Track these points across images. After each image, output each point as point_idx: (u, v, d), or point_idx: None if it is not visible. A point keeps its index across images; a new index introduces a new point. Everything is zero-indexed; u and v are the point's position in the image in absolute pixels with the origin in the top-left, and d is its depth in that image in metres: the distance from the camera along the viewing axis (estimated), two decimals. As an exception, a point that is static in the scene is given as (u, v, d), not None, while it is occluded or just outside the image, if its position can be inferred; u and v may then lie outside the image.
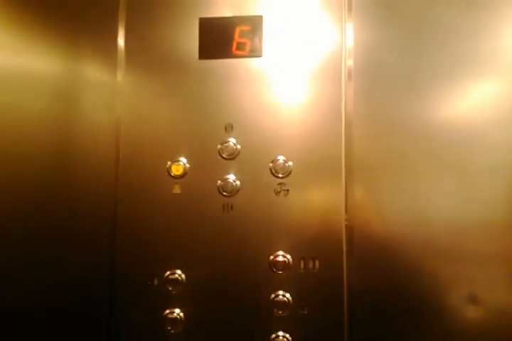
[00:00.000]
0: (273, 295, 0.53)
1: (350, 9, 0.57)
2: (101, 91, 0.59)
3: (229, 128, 0.56)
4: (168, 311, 0.54)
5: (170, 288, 0.54)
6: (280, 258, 0.53)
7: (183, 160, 0.56)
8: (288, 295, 0.53)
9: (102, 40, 0.60)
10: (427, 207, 0.54)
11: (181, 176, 0.56)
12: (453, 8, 0.55)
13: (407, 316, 0.53)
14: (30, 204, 0.58)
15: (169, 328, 0.54)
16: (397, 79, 0.55)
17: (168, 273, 0.54)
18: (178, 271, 0.55)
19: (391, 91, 0.55)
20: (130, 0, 0.59)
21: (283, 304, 0.52)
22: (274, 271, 0.53)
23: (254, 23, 0.57)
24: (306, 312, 0.53)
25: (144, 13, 0.59)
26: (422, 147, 0.54)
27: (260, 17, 0.57)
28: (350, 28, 0.56)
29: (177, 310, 0.54)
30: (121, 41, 0.59)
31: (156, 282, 0.55)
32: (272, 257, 0.54)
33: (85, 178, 0.58)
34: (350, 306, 0.53)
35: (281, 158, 0.55)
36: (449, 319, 0.53)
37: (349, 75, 0.56)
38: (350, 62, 0.56)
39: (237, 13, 0.58)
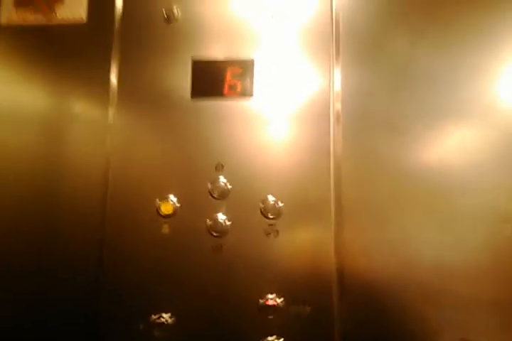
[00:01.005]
0: (263, 341, 0.52)
1: (337, 52, 0.58)
2: (92, 128, 0.59)
3: (219, 167, 0.56)
4: (154, 357, 0.52)
5: (156, 333, 0.52)
6: (270, 302, 0.52)
7: (172, 199, 0.56)
8: None
9: (94, 77, 0.60)
10: (412, 250, 0.54)
11: (171, 215, 0.55)
12: (438, 51, 0.58)
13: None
14: (14, 246, 0.57)
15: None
16: (383, 122, 0.56)
17: (154, 316, 0.53)
18: (165, 315, 0.53)
19: (378, 133, 0.56)
20: (124, 38, 0.61)
21: (274, 350, 0.51)
22: (264, 315, 0.52)
23: (246, 66, 0.58)
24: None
25: (137, 52, 0.60)
26: (407, 189, 0.55)
27: (251, 60, 0.58)
28: (337, 72, 0.58)
29: (164, 356, 0.52)
30: (113, 78, 0.60)
31: (141, 326, 0.53)
32: (261, 300, 0.53)
33: (72, 215, 0.57)
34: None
35: (271, 199, 0.55)
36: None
37: (337, 118, 0.57)
38: (338, 106, 0.57)
39: (229, 55, 0.59)
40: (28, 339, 0.55)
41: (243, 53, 0.59)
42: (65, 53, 0.61)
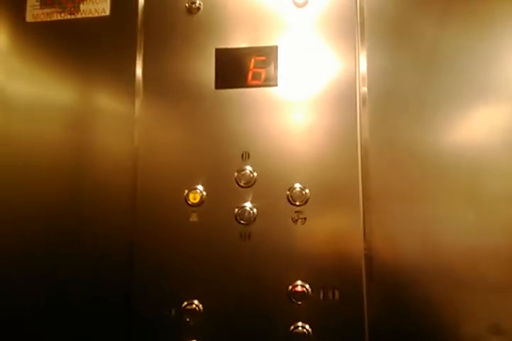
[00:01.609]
0: (292, 327, 0.52)
1: (363, 37, 0.58)
2: (119, 121, 0.60)
3: (245, 156, 0.57)
4: (185, 342, 0.53)
5: (187, 319, 0.54)
6: (299, 288, 0.52)
7: (200, 188, 0.56)
8: (307, 326, 0.52)
9: (120, 70, 0.61)
10: (442, 235, 0.53)
11: (198, 204, 0.56)
12: (466, 33, 0.56)
13: (429, 347, 0.52)
14: (45, 235, 0.59)
15: (187, 359, 0.53)
16: (410, 104, 0.56)
17: (185, 303, 0.54)
18: (196, 301, 0.54)
19: (405, 116, 0.55)
20: (148, 31, 0.61)
21: (302, 336, 0.51)
22: (293, 302, 0.53)
23: (270, 53, 0.58)
24: (326, 343, 0.52)
25: (161, 44, 0.61)
26: (436, 173, 0.54)
27: (275, 47, 0.58)
28: (363, 55, 0.57)
29: (194, 341, 0.54)
30: (139, 71, 0.61)
31: (173, 312, 0.54)
32: (290, 287, 0.53)
33: (103, 206, 0.59)
34: (371, 337, 0.52)
35: (297, 186, 0.55)
36: (473, 349, 0.51)
37: (364, 102, 0.56)
38: (364, 90, 0.56)
39: (253, 44, 0.59)
40: (62, 324, 0.57)
41: (266, 40, 0.58)
42: (90, 47, 0.62)
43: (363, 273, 0.53)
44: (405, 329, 0.52)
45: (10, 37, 0.64)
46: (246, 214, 0.55)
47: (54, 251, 0.58)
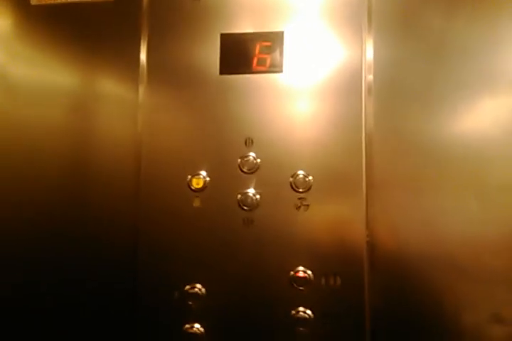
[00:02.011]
0: (293, 312, 0.53)
1: (370, 25, 0.57)
2: (123, 106, 0.60)
3: (249, 143, 0.57)
4: (187, 326, 0.54)
5: (190, 302, 0.54)
6: (301, 274, 0.53)
7: (203, 173, 0.56)
8: (309, 311, 0.52)
9: (124, 56, 0.61)
10: (445, 225, 0.53)
11: (201, 189, 0.56)
12: (473, 24, 0.55)
13: (429, 334, 0.52)
14: (48, 220, 0.59)
15: (188, 342, 0.54)
16: (416, 93, 0.55)
17: (188, 287, 0.54)
18: (198, 285, 0.54)
19: (411, 105, 0.55)
20: (152, 16, 0.61)
21: (304, 320, 0.52)
22: (294, 287, 0.53)
23: (275, 39, 0.57)
24: (327, 328, 0.52)
25: (165, 29, 0.60)
26: (440, 162, 0.54)
27: (281, 33, 0.57)
28: (369, 43, 0.57)
29: (197, 325, 0.54)
30: (143, 56, 0.60)
31: (176, 296, 0.55)
32: (292, 272, 0.53)
33: (106, 191, 0.59)
34: (372, 323, 0.52)
35: (301, 173, 0.55)
36: (473, 338, 0.52)
37: (369, 90, 0.56)
38: (370, 77, 0.56)
39: (258, 29, 0.58)
40: (68, 310, 0.58)
41: (272, 26, 0.58)
42: (94, 31, 0.62)
43: (365, 260, 0.53)
44: (406, 315, 0.53)
45: (14, 20, 0.64)
46: (249, 200, 0.55)
47: (57, 238, 0.59)
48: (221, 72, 0.58)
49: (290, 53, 0.57)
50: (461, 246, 0.52)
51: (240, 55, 0.58)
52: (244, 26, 0.59)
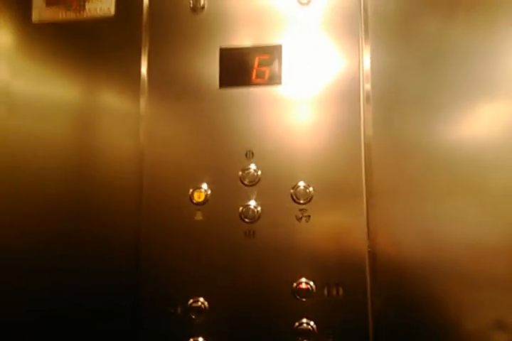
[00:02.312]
0: (297, 323, 0.52)
1: (366, 35, 0.58)
2: (124, 119, 0.61)
3: (249, 155, 0.57)
4: (191, 340, 0.54)
5: (193, 316, 0.54)
6: (303, 285, 0.53)
7: (204, 187, 0.57)
8: (312, 323, 0.52)
9: (125, 69, 0.61)
10: (446, 232, 0.53)
11: (203, 203, 0.56)
12: (470, 30, 0.56)
13: (433, 343, 0.52)
14: (48, 234, 0.60)
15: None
16: (414, 100, 0.56)
17: (191, 301, 0.54)
18: (201, 299, 0.55)
19: (409, 112, 0.55)
20: (152, 30, 0.61)
21: (307, 332, 0.52)
22: (297, 299, 0.53)
23: (274, 52, 0.58)
24: (330, 339, 0.52)
25: (166, 43, 0.61)
26: (440, 169, 0.54)
27: (279, 46, 0.58)
28: (367, 52, 0.57)
29: (200, 339, 0.54)
30: (144, 70, 0.61)
31: (179, 310, 0.55)
32: (295, 284, 0.53)
33: (108, 204, 0.59)
34: (375, 333, 0.52)
35: (301, 184, 0.55)
36: (477, 346, 0.52)
37: (367, 99, 0.56)
38: (368, 87, 0.57)
39: (257, 42, 0.59)
40: (68, 322, 0.58)
41: (270, 39, 0.59)
42: (95, 47, 0.63)
43: (367, 270, 0.53)
44: (409, 325, 0.53)
45: (16, 37, 0.65)
46: (250, 212, 0.55)
47: (58, 252, 0.59)
48: (221, 85, 0.59)
49: (289, 65, 0.58)
50: (462, 253, 0.52)
51: (239, 68, 0.59)
52: (243, 39, 0.59)
